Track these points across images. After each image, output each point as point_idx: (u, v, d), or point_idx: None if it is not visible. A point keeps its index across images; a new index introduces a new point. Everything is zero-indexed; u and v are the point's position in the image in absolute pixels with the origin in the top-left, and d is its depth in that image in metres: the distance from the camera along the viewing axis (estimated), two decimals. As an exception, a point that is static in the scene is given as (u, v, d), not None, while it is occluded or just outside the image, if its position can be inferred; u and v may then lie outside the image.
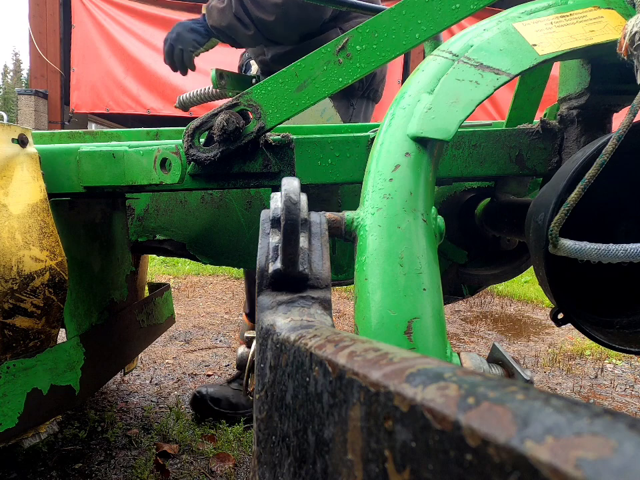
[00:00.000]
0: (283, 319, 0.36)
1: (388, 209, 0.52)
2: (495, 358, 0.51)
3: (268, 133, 0.82)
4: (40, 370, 0.81)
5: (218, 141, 0.79)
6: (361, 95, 1.61)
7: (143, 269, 1.51)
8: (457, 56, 0.61)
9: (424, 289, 0.49)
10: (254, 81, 1.61)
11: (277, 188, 0.60)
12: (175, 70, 1.60)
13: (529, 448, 0.13)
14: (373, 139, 0.80)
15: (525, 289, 4.00)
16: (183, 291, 3.59)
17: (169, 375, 2.05)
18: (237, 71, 1.89)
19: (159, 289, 1.41)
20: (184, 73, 1.60)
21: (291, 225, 0.39)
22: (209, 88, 1.51)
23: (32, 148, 0.84)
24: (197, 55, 1.60)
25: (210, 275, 4.15)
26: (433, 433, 0.16)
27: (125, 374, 1.90)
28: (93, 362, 0.94)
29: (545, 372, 2.24)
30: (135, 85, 5.10)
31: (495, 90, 0.59)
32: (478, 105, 0.58)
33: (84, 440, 1.47)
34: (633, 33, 0.57)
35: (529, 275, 3.95)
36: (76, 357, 0.90)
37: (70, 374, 0.88)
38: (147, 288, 1.52)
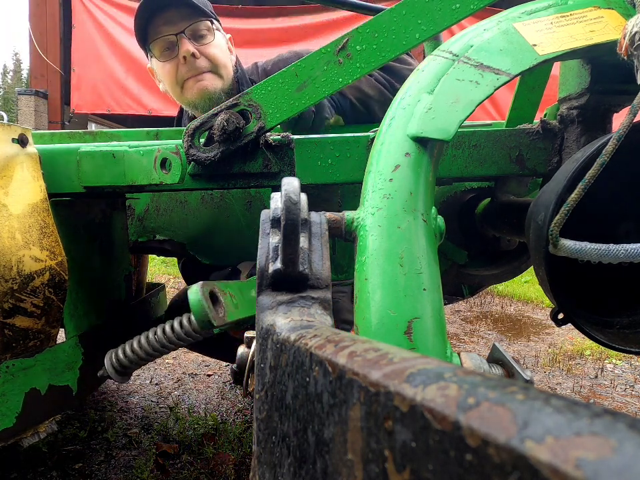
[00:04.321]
0: (283, 319, 0.36)
1: (388, 209, 0.52)
2: (495, 358, 0.51)
3: (268, 133, 0.82)
4: (39, 370, 0.81)
5: (218, 141, 0.79)
6: None
7: (143, 269, 1.51)
8: (457, 56, 0.61)
9: (424, 289, 0.49)
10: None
11: (277, 188, 0.60)
12: None
13: (529, 448, 0.13)
14: (373, 139, 0.80)
15: (525, 289, 4.00)
16: (183, 291, 3.58)
17: (169, 374, 2.05)
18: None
19: (154, 289, 1.41)
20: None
21: (291, 225, 0.39)
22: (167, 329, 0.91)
23: (32, 148, 0.84)
24: (328, 126, 1.30)
25: (210, 275, 4.14)
26: (433, 433, 0.16)
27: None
28: (92, 362, 0.94)
29: (545, 372, 2.24)
30: (135, 85, 5.09)
31: (495, 90, 0.59)
32: (478, 105, 0.58)
33: (84, 440, 1.47)
34: (633, 33, 0.57)
35: (529, 275, 3.95)
36: (74, 357, 0.90)
37: (68, 374, 0.88)
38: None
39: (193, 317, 0.84)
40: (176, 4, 1.23)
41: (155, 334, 0.89)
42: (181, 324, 0.87)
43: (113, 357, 0.90)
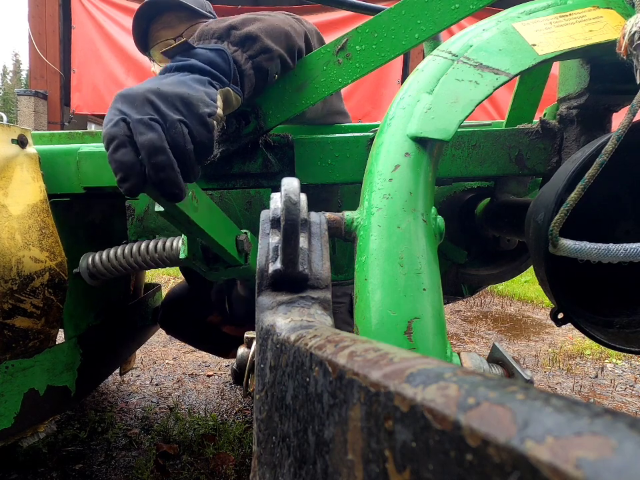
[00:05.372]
0: (283, 319, 0.36)
1: (388, 209, 0.52)
2: (495, 358, 0.51)
3: (268, 133, 0.82)
4: (38, 370, 0.81)
5: (218, 142, 0.79)
6: None
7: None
8: (457, 56, 0.61)
9: (424, 289, 0.49)
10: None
11: (276, 188, 0.60)
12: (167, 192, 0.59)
13: (529, 448, 0.13)
14: (372, 139, 0.80)
15: (525, 288, 4.00)
16: (182, 292, 3.58)
17: (169, 375, 2.05)
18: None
19: (151, 290, 1.42)
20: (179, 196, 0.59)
21: (290, 226, 0.39)
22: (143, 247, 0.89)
23: (31, 148, 0.84)
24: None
25: (210, 276, 4.14)
26: (433, 433, 0.16)
27: (121, 374, 1.90)
28: (90, 363, 0.94)
29: (545, 372, 2.23)
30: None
31: (495, 90, 0.59)
32: (477, 104, 0.58)
33: (84, 440, 1.47)
34: (632, 32, 0.57)
35: (529, 274, 3.95)
36: (73, 358, 0.90)
37: (67, 375, 0.88)
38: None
39: (175, 243, 0.87)
40: (172, 7, 1.22)
41: (139, 249, 0.90)
42: (164, 246, 0.88)
43: (90, 259, 0.90)
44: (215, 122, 0.62)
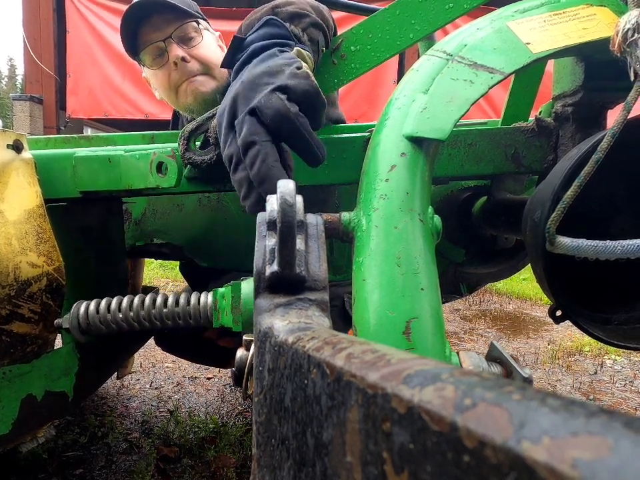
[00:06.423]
0: (281, 321, 0.36)
1: (385, 209, 0.52)
2: (493, 356, 0.51)
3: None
4: (35, 376, 0.81)
5: (214, 144, 0.79)
6: None
7: (138, 272, 1.51)
8: (451, 55, 0.61)
9: (422, 289, 0.49)
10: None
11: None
12: None
13: (525, 449, 0.13)
14: (368, 139, 0.80)
15: (524, 286, 4.01)
16: (181, 294, 3.57)
17: (168, 378, 2.04)
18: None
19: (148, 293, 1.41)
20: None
21: (287, 228, 0.39)
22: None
23: (27, 153, 0.83)
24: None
25: (208, 278, 4.13)
26: (431, 435, 0.16)
27: (118, 378, 1.90)
28: (87, 368, 0.94)
29: (544, 369, 2.24)
30: (132, 89, 5.08)
31: (490, 89, 0.59)
32: (473, 103, 0.58)
33: (84, 445, 1.47)
34: (625, 29, 0.57)
35: (527, 272, 3.96)
36: (71, 363, 0.90)
37: (64, 380, 0.88)
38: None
39: (203, 299, 0.70)
40: (159, 10, 1.20)
41: (153, 302, 0.72)
42: (187, 301, 0.70)
43: (82, 310, 0.73)
44: (307, 71, 0.63)
